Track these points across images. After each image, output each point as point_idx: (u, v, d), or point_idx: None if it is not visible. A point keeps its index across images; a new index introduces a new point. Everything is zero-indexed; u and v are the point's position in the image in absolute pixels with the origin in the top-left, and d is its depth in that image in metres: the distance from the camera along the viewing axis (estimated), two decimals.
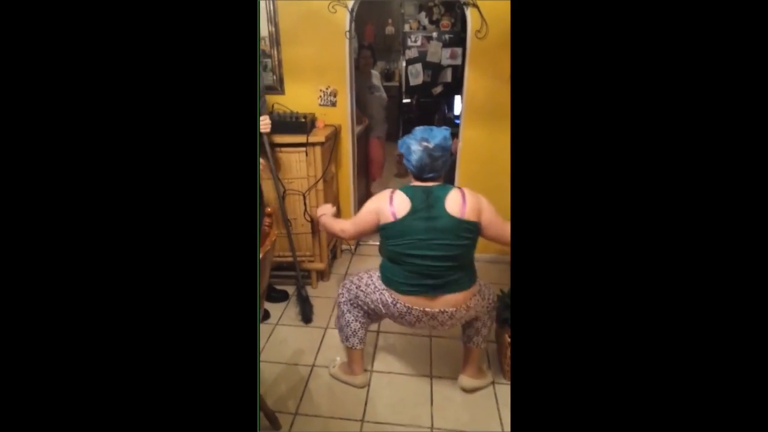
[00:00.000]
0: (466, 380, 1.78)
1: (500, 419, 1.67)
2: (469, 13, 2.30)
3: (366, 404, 1.73)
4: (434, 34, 4.45)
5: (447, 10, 4.65)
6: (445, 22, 4.60)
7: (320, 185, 2.34)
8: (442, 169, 1.52)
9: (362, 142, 3.13)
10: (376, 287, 1.62)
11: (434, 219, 1.45)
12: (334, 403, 1.74)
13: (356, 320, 1.74)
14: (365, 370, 1.86)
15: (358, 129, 2.81)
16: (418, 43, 4.51)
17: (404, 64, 4.62)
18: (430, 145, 1.46)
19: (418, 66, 4.56)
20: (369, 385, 1.83)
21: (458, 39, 4.34)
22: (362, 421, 1.66)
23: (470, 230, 1.48)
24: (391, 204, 1.50)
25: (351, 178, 2.76)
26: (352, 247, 2.95)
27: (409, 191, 1.50)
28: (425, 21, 4.72)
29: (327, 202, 2.44)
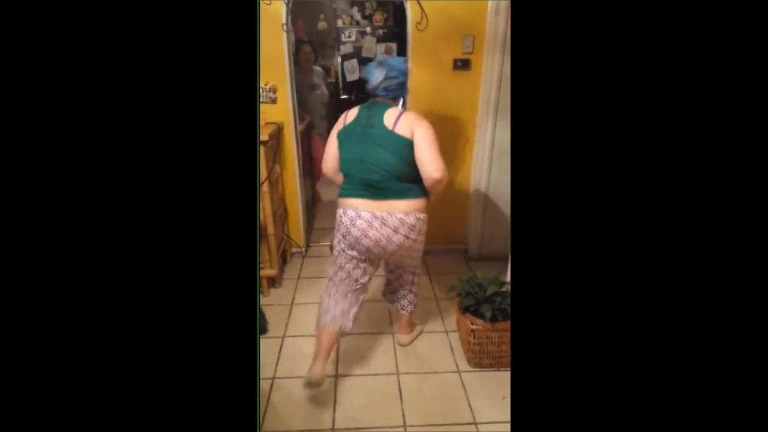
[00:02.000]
0: (402, 338, 2.04)
1: (470, 407, 1.68)
2: (409, 6, 2.28)
3: (335, 411, 1.66)
4: (368, 29, 4.41)
5: (379, 5, 4.63)
6: (378, 17, 4.57)
7: (266, 187, 2.21)
8: (395, 91, 1.63)
9: (305, 140, 3.02)
10: (340, 220, 1.68)
11: (370, 127, 1.58)
12: (302, 415, 1.65)
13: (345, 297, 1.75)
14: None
15: (300, 126, 2.70)
16: (353, 38, 4.44)
17: (339, 59, 4.54)
18: (387, 65, 1.60)
19: (354, 62, 4.49)
20: (335, 391, 1.76)
21: (392, 34, 4.34)
22: (333, 429, 1.59)
23: (405, 145, 1.54)
24: (345, 117, 1.68)
25: (297, 177, 2.65)
26: (303, 249, 2.84)
27: (361, 107, 1.65)
28: (358, 16, 4.67)
29: (273, 204, 2.32)
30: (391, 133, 1.54)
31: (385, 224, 1.59)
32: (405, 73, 1.62)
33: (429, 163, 1.52)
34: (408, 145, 1.54)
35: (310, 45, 3.18)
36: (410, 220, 1.61)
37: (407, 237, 1.62)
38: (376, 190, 1.58)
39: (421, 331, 2.11)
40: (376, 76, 1.59)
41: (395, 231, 1.60)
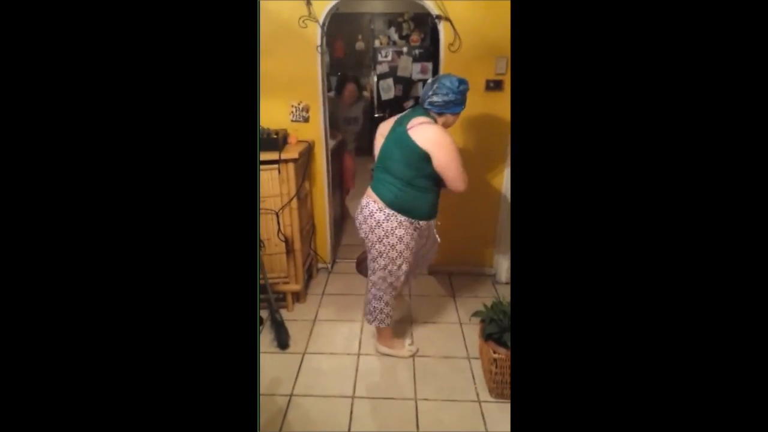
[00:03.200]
0: (378, 346, 2.07)
1: None
2: (442, 27, 2.29)
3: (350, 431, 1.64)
4: (404, 49, 4.47)
5: (416, 25, 4.69)
6: (415, 37, 4.64)
7: (294, 203, 2.25)
8: (441, 107, 1.69)
9: (336, 158, 3.07)
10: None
11: (398, 125, 1.72)
12: None
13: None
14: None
15: (331, 144, 2.75)
16: (389, 58, 4.52)
17: (375, 79, 4.61)
18: (440, 82, 1.69)
19: (390, 81, 4.56)
20: (351, 412, 1.73)
21: (428, 53, 4.38)
22: None
23: (413, 149, 1.64)
24: (394, 118, 1.84)
25: (326, 194, 2.68)
26: (329, 265, 2.86)
27: (408, 110, 1.83)
28: (395, 36, 4.74)
29: (301, 220, 2.35)
30: (405, 133, 1.65)
31: (362, 212, 1.79)
32: (456, 92, 1.67)
33: (453, 181, 1.69)
34: (415, 151, 1.64)
35: (354, 83, 3.12)
36: (371, 207, 1.75)
37: (364, 222, 1.79)
38: (373, 179, 1.79)
39: (412, 354, 2.04)
40: (427, 89, 1.71)
41: (365, 219, 1.79)
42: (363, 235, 1.83)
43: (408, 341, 2.10)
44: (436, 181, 1.74)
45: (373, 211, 1.75)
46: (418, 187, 1.71)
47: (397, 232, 1.74)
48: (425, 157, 1.65)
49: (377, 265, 1.85)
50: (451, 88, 1.67)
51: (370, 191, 1.80)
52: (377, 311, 1.95)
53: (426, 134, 1.64)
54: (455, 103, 1.69)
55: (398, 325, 2.14)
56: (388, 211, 1.73)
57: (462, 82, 1.70)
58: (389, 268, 1.83)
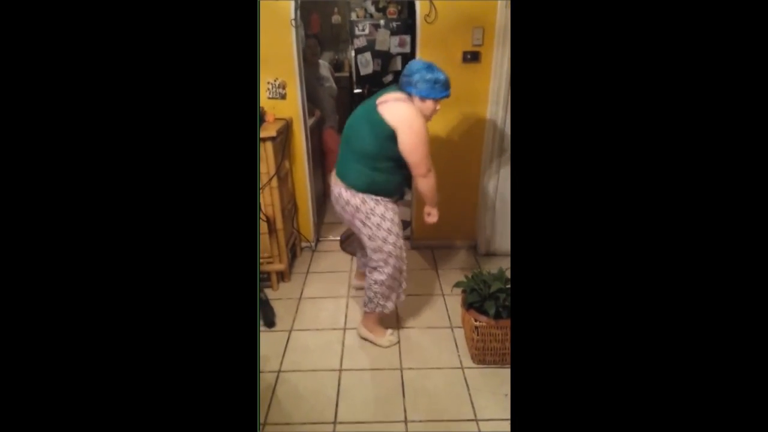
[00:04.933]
0: (360, 329, 2.04)
1: (472, 404, 1.68)
2: None
3: (337, 405, 1.69)
4: (381, 22, 4.37)
5: None
6: (392, 9, 4.53)
7: (274, 182, 2.23)
8: (406, 87, 1.62)
9: (316, 135, 3.04)
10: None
11: (369, 99, 1.68)
12: (305, 409, 1.68)
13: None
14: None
15: (310, 121, 2.71)
16: (366, 31, 4.41)
17: (353, 53, 4.52)
18: (408, 65, 1.64)
19: (368, 55, 4.46)
20: (339, 385, 1.78)
21: (405, 26, 4.29)
22: (335, 423, 1.61)
23: (379, 126, 1.58)
24: None
25: (306, 172, 2.66)
26: (313, 244, 2.87)
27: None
28: (372, 9, 4.63)
29: (282, 199, 2.34)
30: (374, 108, 1.61)
31: (338, 201, 1.78)
32: (412, 74, 1.59)
33: (415, 166, 1.64)
34: (382, 127, 1.58)
35: (315, 39, 3.23)
36: (344, 195, 1.73)
37: (343, 211, 1.77)
38: (338, 160, 1.76)
39: (392, 344, 1.99)
40: (402, 75, 1.66)
41: (342, 208, 1.77)
42: (347, 222, 1.83)
43: (389, 331, 2.03)
44: (401, 164, 1.67)
45: (347, 199, 1.72)
46: (381, 168, 1.65)
47: (377, 210, 1.72)
48: (391, 136, 1.58)
49: (374, 246, 1.77)
50: (410, 70, 1.60)
51: (336, 178, 1.76)
52: (379, 296, 1.87)
53: (396, 111, 1.57)
54: (411, 84, 1.60)
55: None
56: (360, 195, 1.70)
57: (425, 67, 1.59)
58: (386, 248, 1.77)
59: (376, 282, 1.85)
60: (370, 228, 1.74)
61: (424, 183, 1.69)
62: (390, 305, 1.92)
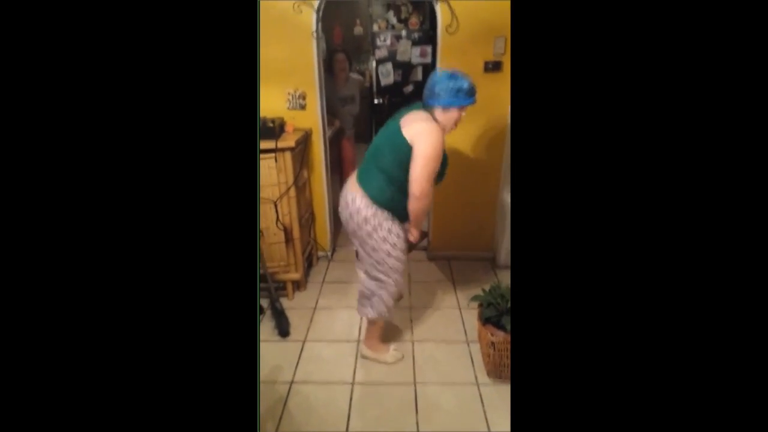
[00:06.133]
0: (363, 348, 1.98)
1: (486, 420, 1.63)
2: (439, 9, 2.25)
3: (349, 418, 1.66)
4: (403, 33, 4.40)
5: (415, 8, 4.61)
6: (414, 20, 4.56)
7: (292, 192, 2.25)
8: (428, 101, 1.60)
9: (335, 145, 3.05)
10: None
11: (393, 119, 1.66)
12: (316, 421, 1.66)
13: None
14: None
15: (329, 132, 2.73)
16: (388, 42, 4.45)
17: (374, 64, 4.56)
18: (431, 78, 1.62)
19: (389, 65, 4.49)
20: (351, 398, 1.75)
21: (427, 37, 4.30)
22: None
23: (401, 145, 1.56)
24: None
25: (324, 182, 2.67)
26: (329, 253, 2.87)
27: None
28: (393, 20, 4.66)
29: (300, 208, 2.35)
30: (397, 130, 1.58)
31: (348, 207, 1.70)
32: (434, 86, 1.57)
33: (414, 180, 1.56)
34: (403, 148, 1.56)
35: (344, 53, 3.06)
36: (358, 202, 1.67)
37: (351, 219, 1.71)
38: (360, 168, 1.73)
39: (396, 360, 1.94)
40: (425, 88, 1.63)
41: (351, 216, 1.70)
42: (351, 231, 1.75)
43: (393, 346, 2.00)
44: None
45: (360, 207, 1.67)
46: (403, 191, 1.61)
47: (385, 224, 1.68)
48: (408, 151, 1.55)
49: (377, 258, 1.73)
50: (432, 82, 1.58)
51: (355, 184, 1.71)
52: (377, 303, 1.83)
53: (417, 127, 1.56)
54: (434, 97, 1.57)
55: (398, 311, 2.15)
56: (374, 207, 1.66)
57: (450, 77, 1.56)
58: (389, 262, 1.73)
59: (374, 294, 1.81)
60: (376, 240, 1.70)
61: (416, 204, 1.62)
62: (387, 312, 1.87)
